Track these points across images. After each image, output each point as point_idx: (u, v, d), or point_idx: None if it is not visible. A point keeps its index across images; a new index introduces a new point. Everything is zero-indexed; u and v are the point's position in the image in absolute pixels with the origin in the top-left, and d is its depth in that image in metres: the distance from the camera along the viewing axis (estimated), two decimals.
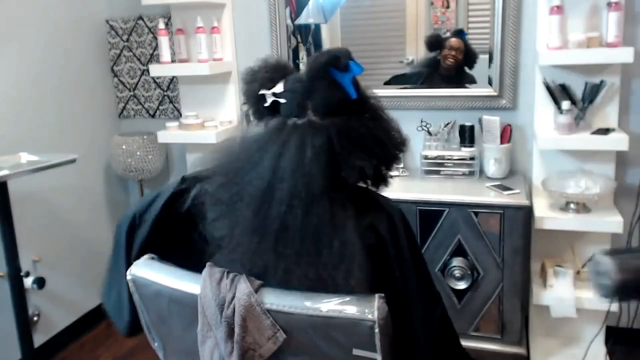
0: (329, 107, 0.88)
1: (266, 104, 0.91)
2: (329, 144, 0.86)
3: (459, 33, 2.31)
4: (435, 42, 2.35)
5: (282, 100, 0.90)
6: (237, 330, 0.87)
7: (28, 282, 2.07)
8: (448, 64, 2.34)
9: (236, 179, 0.89)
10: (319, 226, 0.83)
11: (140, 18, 2.74)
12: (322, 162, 0.84)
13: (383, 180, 0.97)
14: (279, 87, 0.92)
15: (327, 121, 0.88)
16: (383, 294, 0.83)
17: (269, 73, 0.95)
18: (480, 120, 2.23)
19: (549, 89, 2.01)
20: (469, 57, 2.32)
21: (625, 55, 1.81)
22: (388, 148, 0.92)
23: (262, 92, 0.92)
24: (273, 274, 0.85)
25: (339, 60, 0.88)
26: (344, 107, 0.89)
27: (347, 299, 0.83)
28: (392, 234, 0.93)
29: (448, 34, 2.32)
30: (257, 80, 0.95)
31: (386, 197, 0.99)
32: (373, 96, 0.97)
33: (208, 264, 0.92)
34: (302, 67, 2.53)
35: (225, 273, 0.90)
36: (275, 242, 0.84)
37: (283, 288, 0.86)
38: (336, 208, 0.85)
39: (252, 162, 0.88)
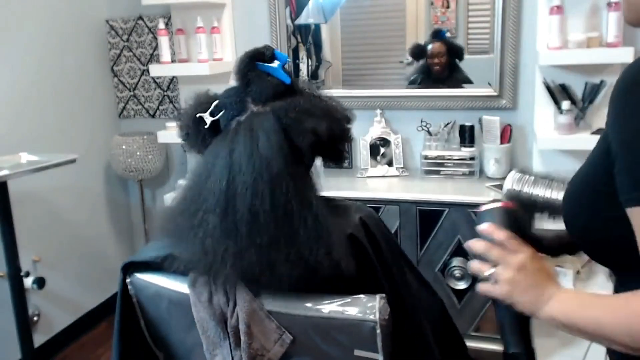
0: (267, 94, 0.89)
1: (206, 126, 0.90)
2: (278, 123, 0.86)
3: (437, 35, 2.33)
4: (418, 52, 2.37)
5: (220, 113, 0.90)
6: (243, 337, 0.87)
7: (28, 282, 2.07)
8: (436, 70, 2.36)
9: (195, 200, 0.87)
10: (287, 204, 0.82)
11: (140, 18, 2.74)
12: (275, 142, 0.84)
13: (338, 155, 0.95)
14: (212, 107, 0.91)
15: (269, 106, 0.88)
16: (384, 295, 0.82)
17: (201, 99, 0.95)
18: (480, 120, 2.23)
19: (549, 89, 2.01)
20: (454, 55, 2.33)
21: (625, 55, 1.81)
22: (336, 116, 0.92)
23: (198, 114, 0.90)
24: (259, 271, 0.83)
25: (264, 53, 0.90)
26: (281, 93, 0.90)
27: (349, 300, 0.83)
28: (369, 237, 0.93)
29: (429, 38, 2.35)
30: (189, 109, 0.94)
31: (353, 203, 0.99)
32: (307, 85, 0.97)
33: (189, 287, 0.91)
34: (302, 66, 2.53)
35: (213, 289, 0.89)
36: (250, 235, 0.82)
37: (272, 281, 0.84)
38: (300, 184, 0.85)
39: (205, 177, 0.87)
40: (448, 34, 2.34)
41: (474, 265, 0.80)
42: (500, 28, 2.19)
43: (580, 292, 0.77)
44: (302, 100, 0.90)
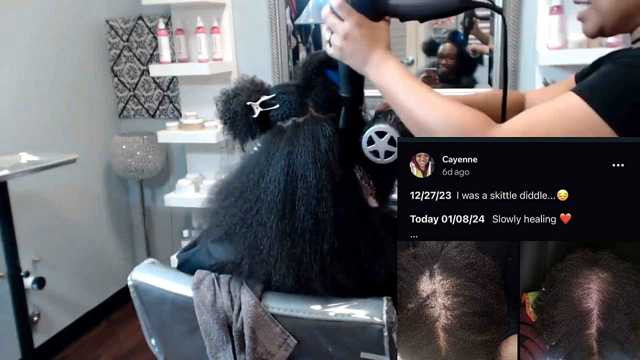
0: (330, 102, 0.88)
1: (255, 115, 0.88)
2: (339, 133, 0.86)
3: (454, 36, 2.32)
4: (431, 47, 2.37)
5: (274, 107, 0.88)
6: (247, 342, 0.87)
7: (28, 282, 2.07)
8: (442, 71, 2.36)
9: (246, 198, 0.86)
10: (348, 215, 0.82)
11: (140, 18, 2.74)
12: (338, 152, 0.84)
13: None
14: (267, 98, 0.89)
15: (329, 117, 0.88)
16: (390, 297, 0.82)
17: (251, 85, 0.93)
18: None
19: None
20: (464, 61, 2.32)
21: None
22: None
23: (250, 102, 0.88)
24: (315, 277, 0.83)
25: (332, 60, 0.88)
26: (341, 104, 0.89)
27: (356, 302, 0.83)
28: None
29: (445, 36, 2.34)
30: (240, 95, 0.91)
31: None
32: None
33: (193, 290, 0.91)
34: None
35: (217, 292, 0.89)
36: (311, 241, 0.82)
37: (325, 289, 0.84)
38: (359, 195, 0.86)
39: (257, 172, 0.86)
40: (462, 37, 2.33)
41: (323, 30, 0.86)
42: (501, 28, 2.19)
43: (405, 70, 0.82)
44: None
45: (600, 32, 0.83)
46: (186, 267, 0.99)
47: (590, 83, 0.72)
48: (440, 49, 2.35)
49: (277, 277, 0.84)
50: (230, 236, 0.87)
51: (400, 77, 0.79)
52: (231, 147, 0.94)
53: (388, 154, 0.83)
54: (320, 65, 0.89)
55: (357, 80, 0.85)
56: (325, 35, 0.85)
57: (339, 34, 0.82)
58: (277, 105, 0.88)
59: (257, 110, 0.88)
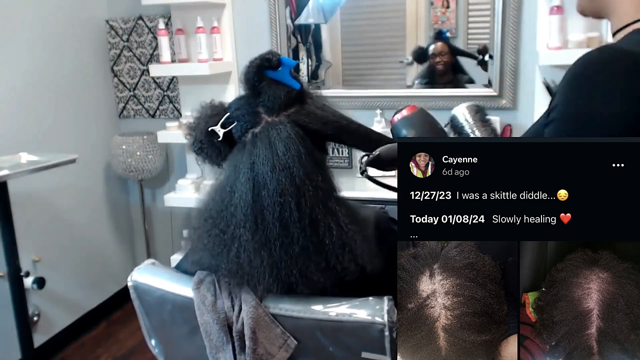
0: (278, 103, 0.88)
1: (219, 138, 0.90)
2: (294, 130, 0.86)
3: (439, 35, 2.33)
4: (420, 55, 2.38)
5: (233, 124, 0.90)
6: (247, 343, 0.87)
7: (28, 282, 2.07)
8: (439, 69, 2.36)
9: (223, 216, 0.88)
10: (312, 213, 0.83)
11: (140, 18, 2.74)
12: (295, 151, 0.84)
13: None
14: (224, 119, 0.91)
15: (283, 116, 0.89)
16: (391, 297, 0.83)
17: (209, 111, 0.95)
18: None
19: (548, 89, 2.00)
20: (457, 54, 2.34)
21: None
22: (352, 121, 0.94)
23: (210, 128, 0.90)
24: (295, 280, 0.84)
25: (270, 60, 0.88)
26: (292, 100, 0.90)
27: (357, 302, 0.83)
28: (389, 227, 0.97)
29: (431, 39, 2.36)
30: (200, 123, 0.94)
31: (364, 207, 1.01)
32: (311, 89, 0.98)
33: (194, 291, 0.91)
34: (302, 66, 2.54)
35: (217, 292, 0.90)
36: (282, 246, 0.83)
37: (308, 289, 0.85)
38: (323, 190, 0.86)
39: (229, 191, 0.87)
40: (448, 34, 2.34)
41: None
42: (500, 28, 2.19)
43: None
44: (315, 106, 0.91)
45: (581, 12, 0.90)
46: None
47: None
48: (431, 49, 2.36)
49: (262, 288, 0.86)
50: (215, 256, 0.89)
51: None
52: (204, 176, 0.97)
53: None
54: (259, 70, 0.89)
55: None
56: None
57: None
58: (235, 122, 0.90)
59: (220, 132, 0.90)
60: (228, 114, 0.91)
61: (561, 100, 0.77)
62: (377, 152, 0.89)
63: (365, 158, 0.89)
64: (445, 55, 2.34)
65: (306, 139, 0.87)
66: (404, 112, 0.93)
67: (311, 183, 0.84)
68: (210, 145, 0.92)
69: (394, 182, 0.69)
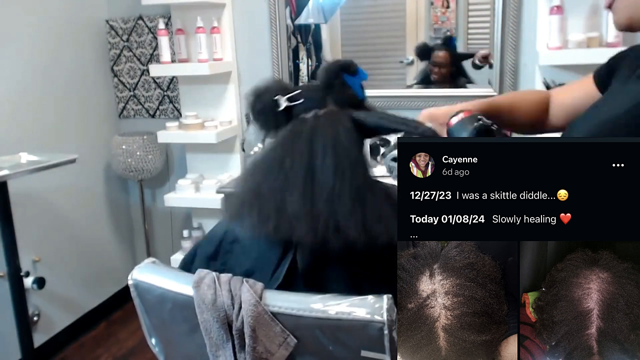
0: (347, 101, 1.01)
1: (280, 108, 1.00)
2: (353, 122, 0.96)
3: (448, 42, 2.31)
4: (424, 52, 2.37)
5: (299, 101, 1.00)
6: (247, 341, 0.87)
7: (28, 282, 2.07)
8: (434, 78, 2.36)
9: (272, 172, 0.95)
10: (358, 183, 0.91)
11: (140, 18, 2.74)
12: (353, 137, 0.94)
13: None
14: (294, 93, 1.01)
15: (345, 110, 0.99)
16: (391, 295, 0.83)
17: (282, 84, 1.05)
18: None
19: (548, 89, 2.01)
20: (458, 68, 2.32)
21: None
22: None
23: (277, 97, 1.00)
24: (331, 234, 0.88)
25: (350, 66, 1.02)
26: (354, 105, 1.01)
27: (356, 301, 0.83)
28: None
29: (438, 41, 2.33)
30: (270, 89, 1.03)
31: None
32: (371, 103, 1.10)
33: (194, 289, 0.92)
34: (302, 66, 2.54)
35: (217, 289, 0.90)
36: (327, 204, 0.89)
37: (339, 245, 0.88)
38: (369, 170, 0.96)
39: (281, 157, 0.95)
40: (448, 33, 2.34)
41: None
42: (500, 28, 2.19)
43: None
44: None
45: (628, 26, 0.78)
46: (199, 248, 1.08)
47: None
48: (433, 57, 2.34)
49: (299, 234, 0.89)
50: (259, 200, 0.94)
51: None
52: (248, 145, 1.03)
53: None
54: (340, 70, 1.01)
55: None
56: None
57: None
58: (302, 100, 1.00)
59: (284, 103, 1.00)
60: (299, 90, 1.01)
61: None
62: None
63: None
64: (444, 67, 2.34)
65: (358, 132, 0.97)
66: (462, 115, 0.99)
67: (360, 163, 0.94)
68: (271, 112, 1.01)
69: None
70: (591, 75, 1.04)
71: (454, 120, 0.98)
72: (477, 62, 2.28)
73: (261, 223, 0.93)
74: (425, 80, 2.38)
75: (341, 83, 1.02)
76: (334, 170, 0.91)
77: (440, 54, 2.33)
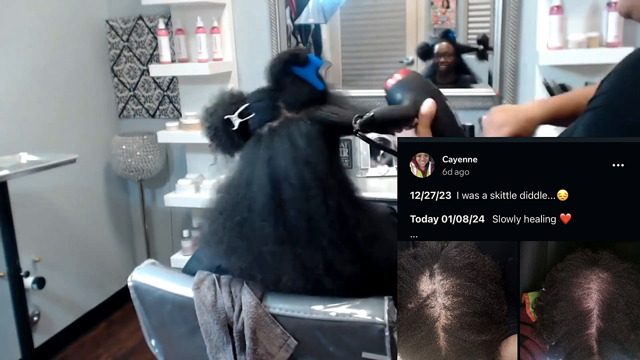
0: (300, 100, 0.87)
1: (234, 127, 0.88)
2: (315, 128, 0.85)
3: (446, 35, 2.32)
4: (425, 52, 2.37)
5: (251, 115, 0.88)
6: (248, 343, 0.87)
7: (28, 282, 2.07)
8: (442, 69, 2.36)
9: (239, 210, 0.86)
10: (339, 207, 0.83)
11: (140, 18, 2.74)
12: (317, 147, 0.84)
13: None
14: (242, 109, 0.89)
15: (302, 113, 0.87)
16: (391, 296, 0.83)
17: (228, 99, 0.93)
18: (480, 120, 2.22)
19: (549, 89, 2.01)
20: (461, 59, 2.33)
21: (625, 55, 1.81)
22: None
23: (227, 116, 0.89)
24: (323, 272, 0.83)
25: (299, 56, 0.87)
26: (313, 100, 0.88)
27: (357, 302, 0.83)
28: None
29: (438, 37, 2.34)
30: (218, 109, 0.92)
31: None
32: (335, 89, 0.96)
33: (194, 291, 0.91)
34: None
35: (218, 292, 0.89)
36: (310, 239, 0.82)
37: (334, 282, 0.84)
38: (345, 185, 0.87)
39: (244, 183, 0.86)
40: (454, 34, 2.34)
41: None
42: (500, 28, 2.19)
43: None
44: (335, 102, 0.90)
45: (627, 15, 0.81)
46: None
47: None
48: (437, 48, 2.35)
49: (287, 279, 0.85)
50: (234, 250, 0.88)
51: None
52: (220, 163, 0.95)
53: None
54: (285, 64, 0.87)
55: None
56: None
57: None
58: (253, 114, 0.88)
59: (236, 122, 0.88)
60: (247, 104, 0.89)
61: (608, 88, 0.74)
62: (370, 113, 0.86)
63: (359, 120, 0.85)
64: (450, 56, 2.34)
65: (325, 136, 0.86)
66: (398, 76, 0.89)
67: (335, 177, 0.84)
68: (224, 134, 0.90)
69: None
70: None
71: (391, 82, 0.90)
72: (477, 46, 2.29)
73: (244, 267, 0.87)
74: (433, 74, 2.38)
75: (292, 80, 0.88)
76: (303, 195, 0.81)
77: (443, 44, 2.34)
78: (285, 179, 0.82)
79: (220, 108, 0.91)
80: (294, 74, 0.88)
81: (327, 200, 0.82)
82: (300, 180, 0.82)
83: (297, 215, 0.82)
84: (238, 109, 0.88)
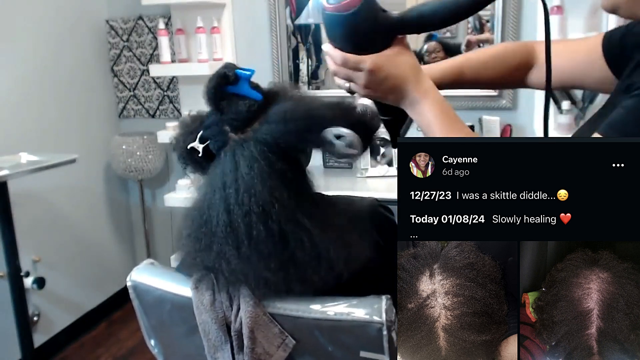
0: (241, 118, 0.87)
1: (200, 154, 0.89)
2: (258, 149, 0.84)
3: (429, 38, 2.39)
4: (418, 57, 2.39)
5: (208, 142, 0.89)
6: (246, 342, 0.87)
7: (28, 282, 2.07)
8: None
9: (201, 231, 0.88)
10: (281, 230, 0.83)
11: (140, 18, 2.74)
12: (258, 170, 0.83)
13: (368, 138, 0.93)
14: (199, 135, 0.91)
15: (248, 133, 0.87)
16: (389, 296, 0.83)
17: (188, 128, 0.94)
18: (480, 120, 2.23)
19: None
20: (452, 52, 2.36)
21: None
22: (331, 108, 0.87)
23: (190, 145, 0.90)
24: (284, 290, 0.85)
25: (227, 76, 0.87)
26: (255, 112, 0.87)
27: (355, 301, 0.83)
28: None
29: (422, 44, 2.40)
30: (179, 140, 0.93)
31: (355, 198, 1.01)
32: (286, 87, 0.95)
33: (192, 290, 0.91)
34: (302, 67, 2.54)
35: (216, 292, 0.90)
36: (262, 262, 0.83)
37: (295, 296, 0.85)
38: (292, 204, 0.84)
39: (207, 207, 0.87)
40: (447, 34, 2.35)
41: (337, 81, 0.84)
42: (500, 28, 2.19)
43: (444, 107, 0.80)
44: (284, 104, 0.88)
45: (612, 11, 0.81)
46: None
47: (615, 123, 0.72)
48: (425, 47, 2.39)
49: (252, 285, 0.86)
50: (208, 269, 0.90)
51: (439, 119, 0.79)
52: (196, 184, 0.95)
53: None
54: (216, 89, 0.87)
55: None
56: (338, 83, 0.83)
57: (360, 85, 0.80)
58: (209, 140, 0.89)
59: (200, 148, 0.89)
60: (201, 132, 0.90)
61: None
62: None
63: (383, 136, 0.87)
64: (440, 52, 2.36)
65: (271, 155, 0.84)
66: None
67: (277, 201, 0.83)
68: (192, 161, 0.92)
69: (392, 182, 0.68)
70: (599, 42, 0.95)
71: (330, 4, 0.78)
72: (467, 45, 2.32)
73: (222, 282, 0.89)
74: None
75: (229, 101, 0.87)
76: (247, 221, 0.82)
77: (431, 44, 2.39)
78: (235, 204, 0.83)
79: (182, 138, 0.93)
80: (230, 93, 0.87)
81: (268, 226, 0.82)
82: (242, 207, 0.82)
83: (243, 238, 0.83)
84: (197, 136, 0.90)
